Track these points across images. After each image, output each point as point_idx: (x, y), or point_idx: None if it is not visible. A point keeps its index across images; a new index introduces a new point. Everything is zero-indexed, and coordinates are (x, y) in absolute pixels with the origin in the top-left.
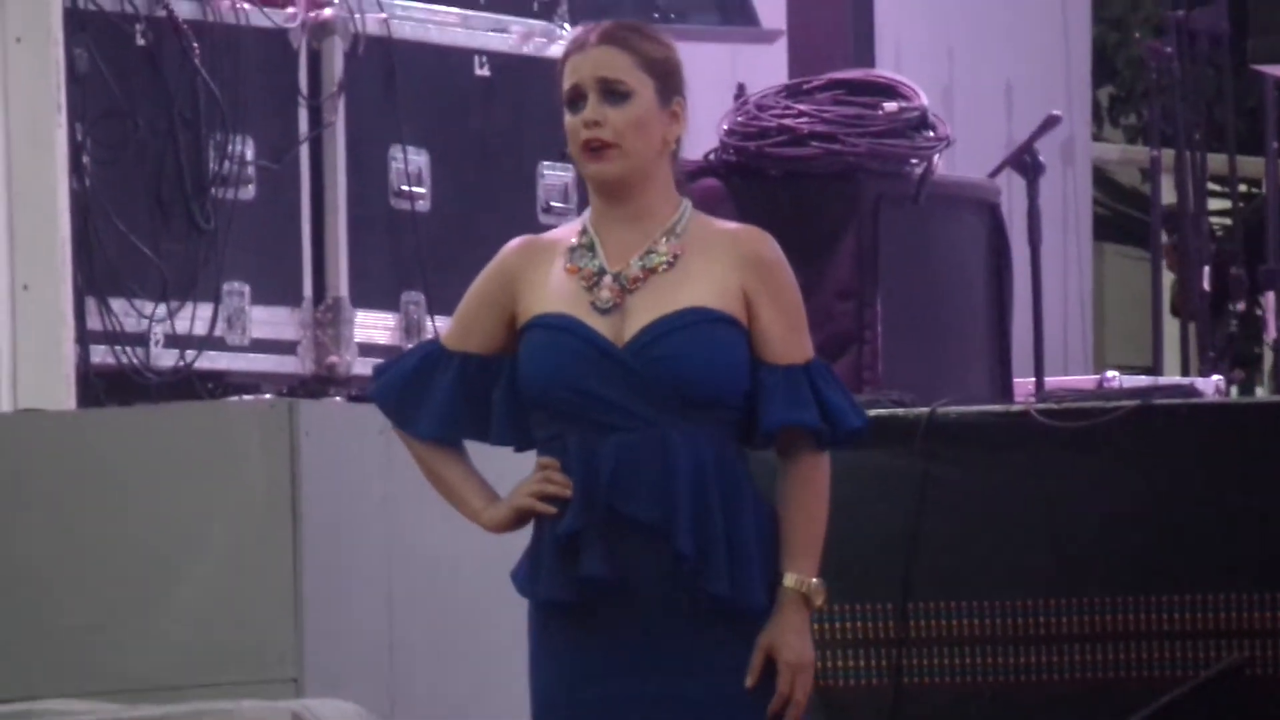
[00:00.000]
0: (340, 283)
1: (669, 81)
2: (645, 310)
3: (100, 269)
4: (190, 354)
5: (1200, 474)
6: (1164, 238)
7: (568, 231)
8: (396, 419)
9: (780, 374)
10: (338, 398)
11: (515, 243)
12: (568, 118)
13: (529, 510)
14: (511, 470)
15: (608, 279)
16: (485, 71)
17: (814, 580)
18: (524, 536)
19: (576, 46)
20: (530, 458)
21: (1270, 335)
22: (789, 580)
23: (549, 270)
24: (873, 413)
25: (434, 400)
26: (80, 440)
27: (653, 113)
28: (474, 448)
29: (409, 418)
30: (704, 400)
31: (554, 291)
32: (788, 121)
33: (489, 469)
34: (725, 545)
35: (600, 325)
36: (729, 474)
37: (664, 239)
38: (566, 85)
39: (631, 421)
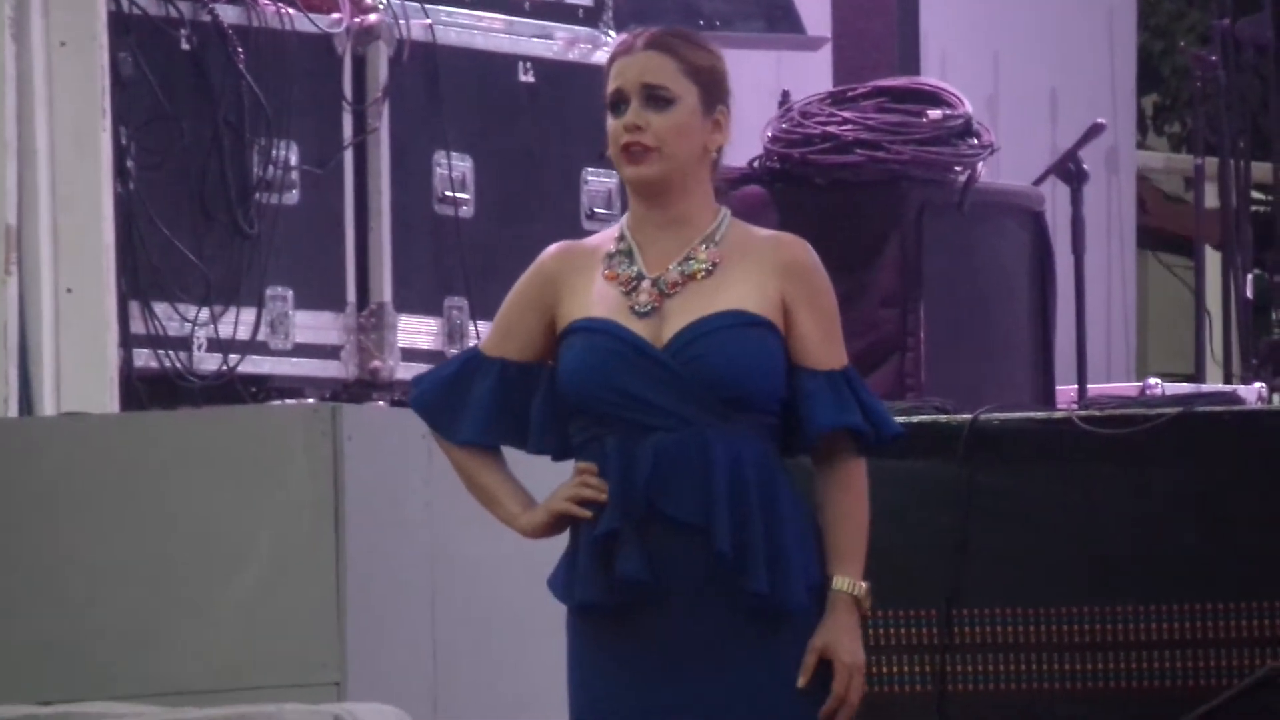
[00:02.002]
0: (384, 288)
1: (713, 90)
2: (684, 313)
3: (144, 273)
4: (233, 358)
5: (1243, 481)
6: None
7: (605, 237)
8: (435, 425)
9: (822, 378)
10: (381, 402)
11: (553, 248)
12: (610, 121)
13: (566, 515)
14: (547, 480)
15: (646, 283)
16: (529, 78)
17: (863, 584)
18: (566, 539)
19: (623, 50)
20: (566, 466)
21: None
22: (839, 583)
23: (588, 276)
24: (915, 420)
25: (472, 406)
26: (123, 444)
27: (695, 120)
28: (510, 457)
29: (447, 424)
30: (742, 400)
31: (593, 297)
32: (832, 129)
33: (525, 477)
34: (764, 544)
35: (639, 328)
36: (767, 474)
37: (703, 246)
38: (610, 89)
39: (670, 422)
